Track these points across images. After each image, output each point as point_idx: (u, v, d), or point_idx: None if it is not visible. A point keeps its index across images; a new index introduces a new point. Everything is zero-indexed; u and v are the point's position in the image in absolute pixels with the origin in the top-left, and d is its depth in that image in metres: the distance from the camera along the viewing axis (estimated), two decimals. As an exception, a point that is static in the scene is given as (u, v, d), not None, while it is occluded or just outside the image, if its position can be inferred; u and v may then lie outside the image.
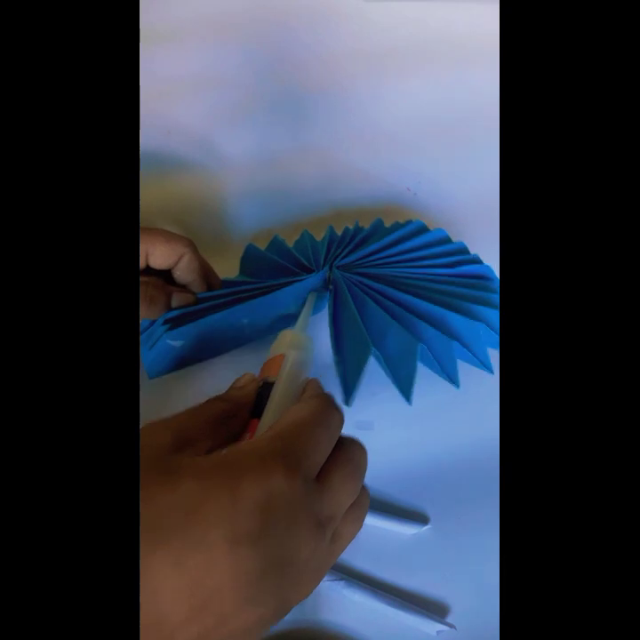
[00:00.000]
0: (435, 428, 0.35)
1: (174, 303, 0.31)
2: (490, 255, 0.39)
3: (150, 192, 0.41)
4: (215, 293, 0.32)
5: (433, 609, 0.30)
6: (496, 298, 0.33)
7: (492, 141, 0.34)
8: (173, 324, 0.30)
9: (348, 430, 0.35)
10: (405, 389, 0.30)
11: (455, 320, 0.31)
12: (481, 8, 0.50)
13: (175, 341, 0.30)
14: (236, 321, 0.31)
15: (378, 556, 0.31)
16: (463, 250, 0.36)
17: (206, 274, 0.32)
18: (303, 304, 0.31)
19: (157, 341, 0.30)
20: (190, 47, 0.51)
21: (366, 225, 0.38)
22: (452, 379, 0.32)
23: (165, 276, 0.32)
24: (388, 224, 0.38)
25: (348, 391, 0.29)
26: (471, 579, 0.31)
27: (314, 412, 0.21)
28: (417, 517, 0.32)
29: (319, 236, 0.40)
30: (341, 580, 0.30)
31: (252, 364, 0.31)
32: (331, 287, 0.33)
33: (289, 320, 0.34)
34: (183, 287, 0.32)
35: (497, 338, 0.32)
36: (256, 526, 0.17)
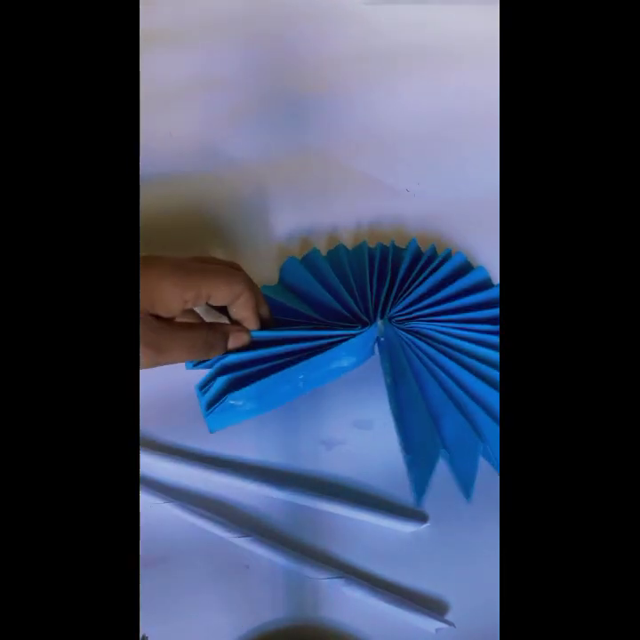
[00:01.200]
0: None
1: (231, 345, 0.32)
2: (490, 255, 0.39)
3: (150, 193, 0.42)
4: (269, 336, 0.33)
5: (432, 606, 0.30)
6: None
7: (493, 143, 0.35)
8: (234, 384, 0.32)
9: (346, 429, 0.35)
10: (466, 485, 0.31)
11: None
12: (481, 11, 0.51)
13: (237, 401, 0.32)
14: (292, 377, 0.33)
15: (377, 554, 0.32)
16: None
17: (259, 306, 0.33)
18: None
19: (220, 402, 0.31)
20: (190, 49, 0.51)
21: (397, 242, 0.40)
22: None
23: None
24: (422, 245, 0.40)
25: (420, 492, 0.31)
26: (471, 576, 0.31)
27: None
28: (416, 515, 0.32)
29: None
30: (341, 577, 0.30)
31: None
32: (382, 339, 0.34)
33: (340, 371, 0.35)
34: (236, 321, 0.33)
35: None
36: None
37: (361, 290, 0.37)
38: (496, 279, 0.39)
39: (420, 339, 0.34)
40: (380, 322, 0.35)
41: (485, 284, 0.38)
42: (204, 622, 0.31)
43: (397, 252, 0.40)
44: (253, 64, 0.50)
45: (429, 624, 0.29)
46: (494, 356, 0.34)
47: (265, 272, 0.40)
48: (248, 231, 0.42)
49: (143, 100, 0.41)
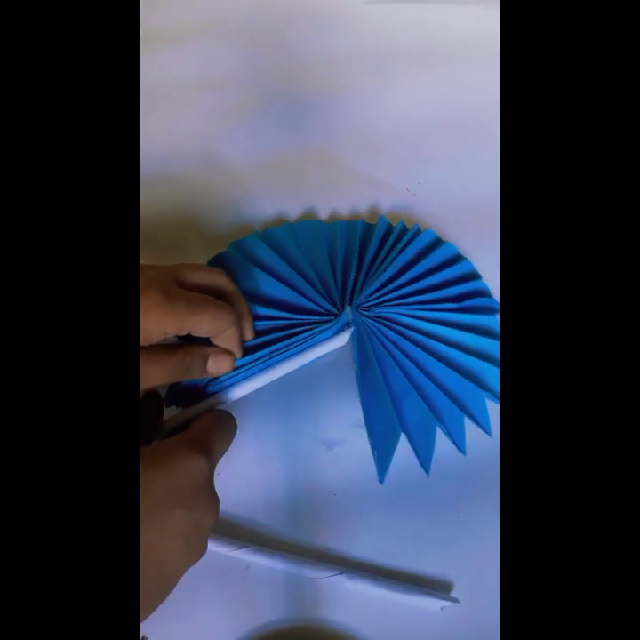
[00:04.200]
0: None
1: (211, 368, 0.31)
2: (489, 254, 0.39)
3: (150, 193, 0.42)
4: (250, 359, 0.33)
5: (436, 587, 0.31)
6: (496, 347, 0.36)
7: (492, 142, 0.35)
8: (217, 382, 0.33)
9: (346, 429, 0.35)
10: (425, 462, 0.34)
11: (463, 388, 0.35)
12: (481, 10, 0.51)
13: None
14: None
15: (377, 549, 0.32)
16: (472, 274, 0.39)
17: (245, 335, 0.33)
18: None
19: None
20: (190, 49, 0.51)
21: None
22: (460, 448, 0.34)
23: None
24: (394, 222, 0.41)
25: (382, 471, 0.33)
26: (472, 555, 0.32)
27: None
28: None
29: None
30: (342, 574, 0.30)
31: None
32: (351, 327, 0.35)
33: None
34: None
35: (495, 397, 0.35)
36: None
37: (325, 273, 0.37)
38: (495, 277, 0.39)
39: (385, 325, 0.36)
40: (348, 310, 0.36)
41: (454, 260, 0.39)
42: (203, 622, 0.31)
43: (367, 228, 0.40)
44: (253, 64, 0.50)
45: (434, 603, 0.29)
46: (454, 334, 0.36)
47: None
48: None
49: (143, 100, 0.41)
